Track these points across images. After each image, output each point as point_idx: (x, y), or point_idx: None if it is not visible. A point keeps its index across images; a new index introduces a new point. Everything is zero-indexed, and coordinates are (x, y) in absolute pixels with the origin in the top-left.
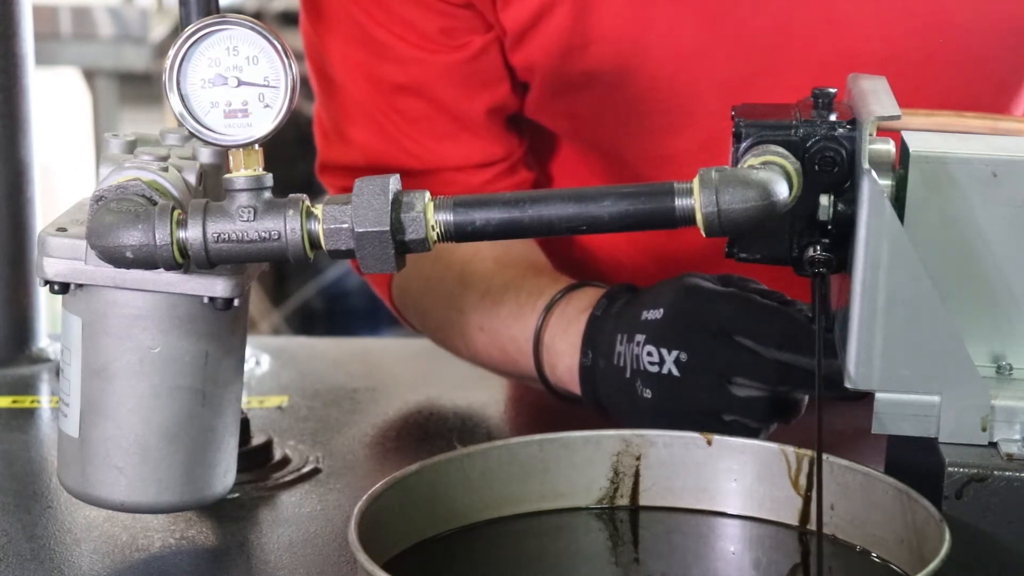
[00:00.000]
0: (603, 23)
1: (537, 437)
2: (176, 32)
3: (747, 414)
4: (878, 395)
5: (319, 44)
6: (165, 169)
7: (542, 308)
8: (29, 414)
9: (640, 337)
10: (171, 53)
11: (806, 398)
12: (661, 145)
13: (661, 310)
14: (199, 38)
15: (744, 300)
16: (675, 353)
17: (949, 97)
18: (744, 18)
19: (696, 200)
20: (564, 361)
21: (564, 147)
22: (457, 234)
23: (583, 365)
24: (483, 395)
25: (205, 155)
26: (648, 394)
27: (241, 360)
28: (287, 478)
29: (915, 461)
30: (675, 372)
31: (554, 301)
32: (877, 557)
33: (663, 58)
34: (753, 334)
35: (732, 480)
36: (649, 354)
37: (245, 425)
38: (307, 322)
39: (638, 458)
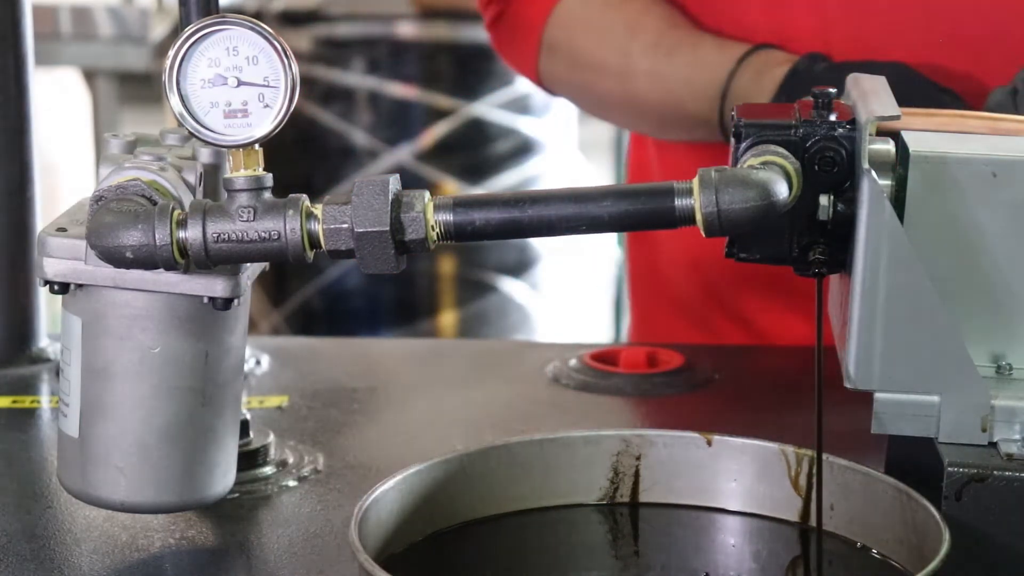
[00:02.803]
0: None
1: (537, 437)
2: (176, 32)
3: None
4: (878, 395)
5: None
6: (165, 169)
7: (736, 57)
8: (29, 414)
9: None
10: (171, 53)
11: None
12: None
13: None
14: (199, 38)
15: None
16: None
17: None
18: None
19: (696, 200)
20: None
21: None
22: (457, 234)
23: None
24: (483, 395)
25: (205, 155)
26: None
27: (241, 360)
28: (287, 478)
29: (915, 461)
30: None
31: (749, 52)
32: (877, 553)
33: None
34: None
35: (732, 480)
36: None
37: (245, 425)
38: (307, 322)
39: (638, 458)
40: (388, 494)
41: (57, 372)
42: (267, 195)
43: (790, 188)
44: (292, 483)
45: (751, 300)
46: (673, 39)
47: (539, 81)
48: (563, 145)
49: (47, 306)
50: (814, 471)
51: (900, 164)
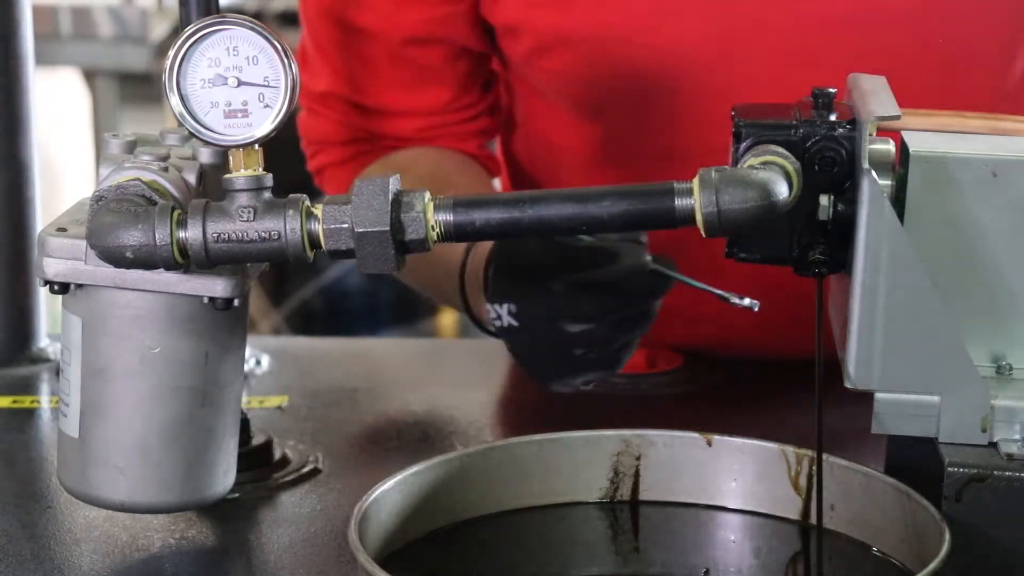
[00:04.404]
0: None
1: (537, 437)
2: (176, 32)
3: (590, 344)
4: (878, 395)
5: None
6: (165, 169)
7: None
8: (29, 414)
9: (485, 296)
10: (171, 53)
11: (652, 306)
12: (647, 111)
13: (492, 268)
14: (199, 38)
15: (548, 246)
16: (506, 306)
17: (948, 62)
18: None
19: (696, 200)
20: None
21: (554, 110)
22: (457, 234)
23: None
24: (483, 395)
25: (205, 155)
26: (506, 345)
27: (241, 360)
28: (287, 478)
29: (915, 461)
30: (514, 323)
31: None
32: (878, 552)
33: (639, 17)
34: (550, 271)
35: (732, 480)
36: (488, 311)
37: (245, 425)
38: (307, 322)
39: (638, 458)
40: (388, 494)
41: (57, 372)
42: (267, 195)
43: (790, 188)
44: (292, 483)
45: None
46: None
47: None
48: None
49: (47, 306)
50: (814, 471)
51: (900, 164)
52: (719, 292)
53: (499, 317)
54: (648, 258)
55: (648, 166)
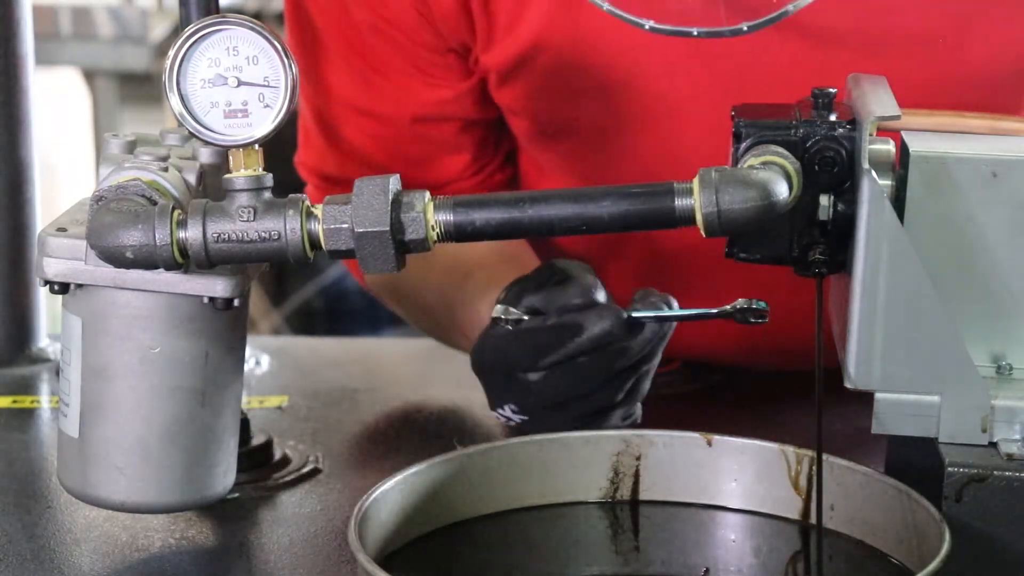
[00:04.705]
0: (593, 66)
1: (537, 437)
2: (176, 32)
3: (593, 407)
4: (878, 395)
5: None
6: (165, 169)
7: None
8: (29, 414)
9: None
10: (171, 53)
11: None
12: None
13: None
14: (199, 38)
15: (513, 338)
16: (508, 408)
17: None
18: (738, 65)
19: (696, 200)
20: None
21: (556, 177)
22: (457, 234)
23: None
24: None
25: (205, 155)
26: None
27: (241, 360)
28: (287, 478)
29: (915, 461)
30: (524, 418)
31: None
32: (878, 553)
33: (655, 105)
34: (522, 364)
35: (732, 480)
36: (498, 417)
37: (245, 425)
38: (307, 322)
39: (638, 458)
40: (388, 494)
41: (57, 372)
42: (267, 195)
43: (790, 188)
44: (292, 483)
45: None
46: (465, 267)
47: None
48: None
49: (47, 306)
50: (814, 471)
51: (900, 164)
52: (704, 311)
53: (508, 419)
54: (622, 313)
55: (654, 238)
